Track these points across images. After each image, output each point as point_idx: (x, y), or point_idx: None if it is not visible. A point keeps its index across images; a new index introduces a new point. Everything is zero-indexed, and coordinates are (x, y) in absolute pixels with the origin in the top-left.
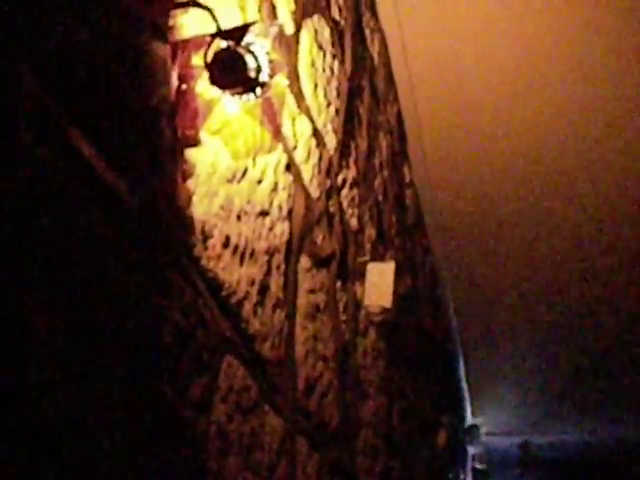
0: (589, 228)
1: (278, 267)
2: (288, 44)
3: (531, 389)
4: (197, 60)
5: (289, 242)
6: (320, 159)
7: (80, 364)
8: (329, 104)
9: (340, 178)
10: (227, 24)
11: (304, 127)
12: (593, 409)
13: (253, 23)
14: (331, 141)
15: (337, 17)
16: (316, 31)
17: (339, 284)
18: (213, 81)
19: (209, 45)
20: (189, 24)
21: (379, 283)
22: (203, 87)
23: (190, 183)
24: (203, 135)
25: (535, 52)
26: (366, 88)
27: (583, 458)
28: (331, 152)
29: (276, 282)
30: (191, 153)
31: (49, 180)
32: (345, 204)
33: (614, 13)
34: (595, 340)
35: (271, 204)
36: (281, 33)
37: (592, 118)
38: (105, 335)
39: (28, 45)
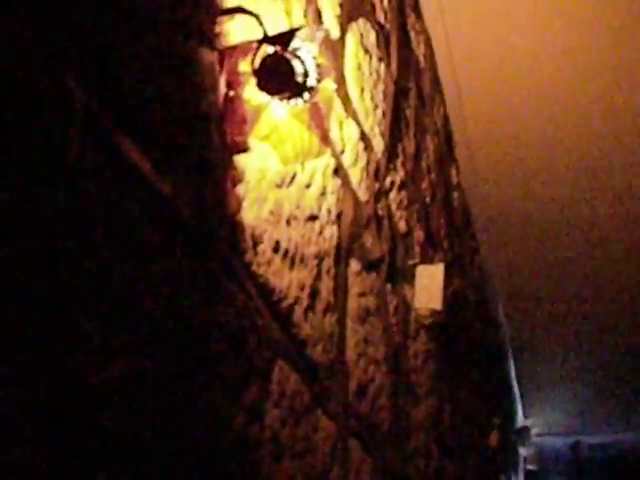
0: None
1: (328, 271)
2: (334, 48)
3: (582, 389)
4: (244, 66)
5: (338, 246)
6: (368, 162)
7: (130, 372)
8: (376, 107)
9: (388, 181)
10: (273, 30)
11: (351, 131)
12: None
13: (299, 28)
14: (378, 144)
15: (382, 20)
16: (361, 35)
17: (389, 287)
18: (261, 87)
19: (256, 51)
20: (236, 30)
21: (429, 285)
22: (251, 93)
23: (240, 189)
24: (252, 141)
25: (582, 49)
26: (412, 90)
27: (634, 457)
28: (379, 155)
29: (326, 286)
30: (240, 159)
31: (99, 189)
32: (393, 207)
33: None
34: None
35: (320, 208)
36: (327, 37)
37: None
38: (156, 342)
39: (77, 55)
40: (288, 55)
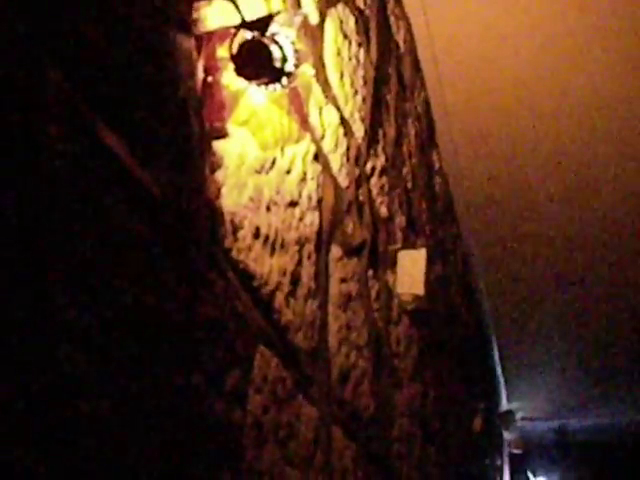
0: (620, 213)
1: (309, 257)
2: (313, 34)
3: (566, 373)
4: (222, 52)
5: (319, 232)
6: (348, 148)
7: (110, 359)
8: (356, 93)
9: (369, 166)
10: (251, 15)
11: (331, 116)
12: (629, 392)
13: (277, 13)
14: (359, 129)
15: (361, 5)
16: (341, 20)
17: (371, 273)
18: (239, 72)
19: (234, 36)
20: (213, 16)
21: (411, 271)
22: (229, 79)
23: (218, 175)
24: (230, 127)
25: (563, 35)
26: (393, 76)
27: (619, 441)
28: (359, 140)
29: (307, 272)
30: (219, 145)
31: (76, 175)
32: (375, 192)
33: None
34: (631, 322)
35: (300, 194)
36: (306, 23)
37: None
38: (135, 329)
39: (53, 40)
40: (266, 40)
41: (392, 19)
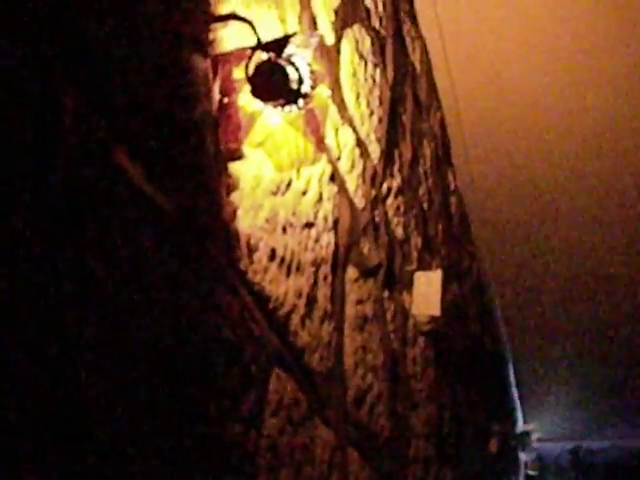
0: None
1: (325, 278)
2: (329, 54)
3: (582, 394)
4: (238, 73)
5: (335, 253)
6: (364, 169)
7: (126, 382)
8: (372, 113)
9: (385, 187)
10: (267, 36)
11: (347, 137)
12: None
13: (293, 34)
14: (375, 150)
15: (377, 26)
16: (357, 41)
17: (387, 294)
18: (255, 94)
19: (250, 58)
20: (229, 37)
21: (427, 292)
22: (245, 100)
23: (234, 197)
24: (246, 148)
25: (580, 53)
26: (408, 96)
27: (635, 462)
28: (375, 161)
29: (323, 294)
30: (235, 166)
31: (92, 198)
32: (390, 213)
33: None
34: None
35: (316, 215)
36: (322, 44)
37: None
38: (152, 352)
39: (69, 63)
40: (282, 62)
41: (408, 39)
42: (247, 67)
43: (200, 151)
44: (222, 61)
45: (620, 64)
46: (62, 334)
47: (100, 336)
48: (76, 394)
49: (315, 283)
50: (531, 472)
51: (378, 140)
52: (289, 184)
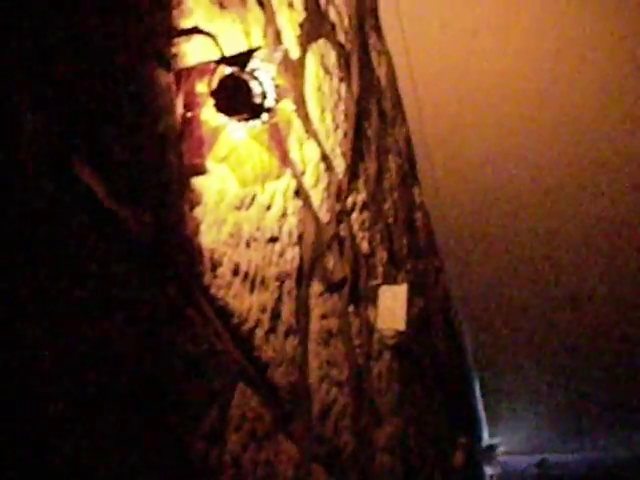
0: (602, 246)
1: (289, 293)
2: (294, 69)
3: (547, 407)
4: (202, 87)
5: (300, 267)
6: (329, 183)
7: (85, 397)
8: (337, 127)
9: (350, 201)
10: (231, 50)
11: (312, 151)
12: (611, 427)
13: (257, 49)
14: (340, 165)
15: (343, 40)
16: (322, 55)
17: (352, 308)
18: (218, 108)
19: (213, 72)
20: (193, 51)
21: (392, 306)
22: (208, 114)
23: (198, 211)
24: (210, 163)
25: (544, 69)
26: (374, 110)
27: (600, 475)
28: (340, 176)
29: (288, 308)
30: (198, 181)
31: (53, 213)
32: (356, 227)
33: None
34: (611, 357)
35: (281, 230)
36: (286, 58)
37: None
38: (114, 366)
39: (29, 76)
40: (246, 76)
41: (373, 54)
42: (210, 81)
43: (163, 166)
44: (185, 75)
45: (592, 89)
46: (18, 353)
47: (57, 351)
48: (34, 410)
49: (279, 298)
50: None
51: (343, 154)
52: (253, 199)
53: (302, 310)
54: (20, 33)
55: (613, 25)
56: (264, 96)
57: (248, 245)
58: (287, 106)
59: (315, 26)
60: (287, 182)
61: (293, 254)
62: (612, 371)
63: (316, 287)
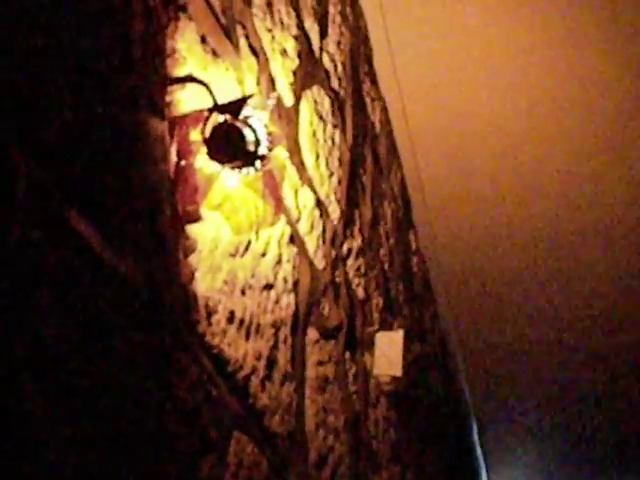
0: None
1: (285, 340)
2: (288, 116)
3: (548, 453)
4: (195, 135)
5: (295, 314)
6: (324, 229)
7: (81, 445)
8: (331, 174)
9: (345, 248)
10: (225, 98)
11: (307, 198)
12: (612, 475)
13: (250, 96)
14: (335, 211)
15: (337, 87)
16: (316, 102)
17: (348, 355)
18: (212, 156)
19: (207, 120)
20: (186, 99)
21: (388, 352)
22: (202, 162)
23: (192, 259)
24: (204, 210)
25: (538, 115)
26: (369, 157)
27: None
28: (335, 222)
29: (284, 355)
30: (192, 229)
31: (46, 263)
32: (351, 274)
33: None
34: (615, 404)
35: (276, 277)
36: (280, 105)
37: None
38: (109, 416)
39: (23, 126)
40: (239, 124)
41: (368, 100)
42: (204, 129)
43: (157, 214)
44: (179, 123)
45: (590, 131)
46: (11, 405)
47: (52, 402)
48: (29, 464)
49: (275, 345)
50: None
51: (338, 201)
52: (248, 246)
53: (298, 357)
54: (16, 83)
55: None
56: (257, 143)
57: (243, 292)
58: (281, 153)
59: (309, 73)
60: (282, 229)
61: (288, 301)
62: (617, 419)
63: (312, 334)
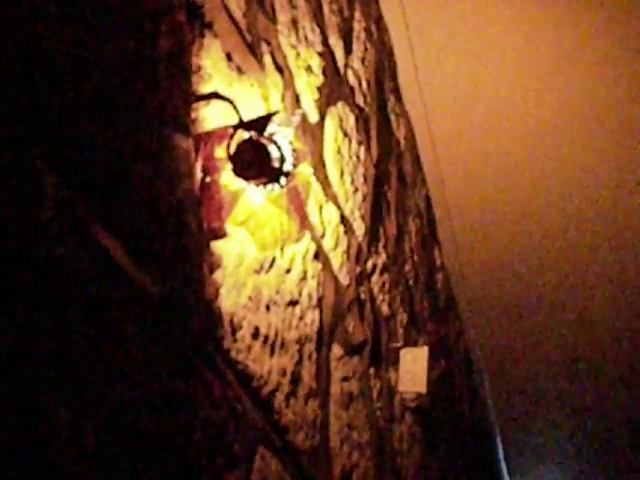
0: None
1: (310, 356)
2: (313, 132)
3: (573, 470)
4: (220, 152)
5: (320, 331)
6: (349, 246)
7: (109, 463)
8: (356, 190)
9: (370, 264)
10: (250, 115)
11: (332, 214)
12: None
13: (275, 113)
14: (359, 227)
15: (362, 103)
16: (341, 118)
17: (372, 371)
18: (237, 172)
19: (232, 136)
20: (211, 116)
21: (413, 368)
22: (227, 179)
23: (217, 275)
24: (229, 227)
25: (565, 129)
26: (393, 173)
27: None
28: (360, 238)
29: (308, 371)
30: (217, 245)
31: (72, 277)
32: (376, 290)
33: None
34: (634, 418)
35: (300, 293)
36: (305, 121)
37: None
38: (132, 433)
39: (49, 141)
40: (264, 140)
41: (392, 116)
42: (229, 146)
43: (182, 230)
44: (204, 140)
45: (616, 129)
46: (36, 420)
47: (78, 420)
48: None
49: (300, 361)
50: None
51: (362, 217)
52: (273, 262)
53: (322, 373)
54: (42, 99)
55: None
56: (282, 160)
57: (268, 308)
58: (305, 169)
59: (334, 90)
60: (306, 245)
61: (313, 317)
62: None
63: (336, 350)
